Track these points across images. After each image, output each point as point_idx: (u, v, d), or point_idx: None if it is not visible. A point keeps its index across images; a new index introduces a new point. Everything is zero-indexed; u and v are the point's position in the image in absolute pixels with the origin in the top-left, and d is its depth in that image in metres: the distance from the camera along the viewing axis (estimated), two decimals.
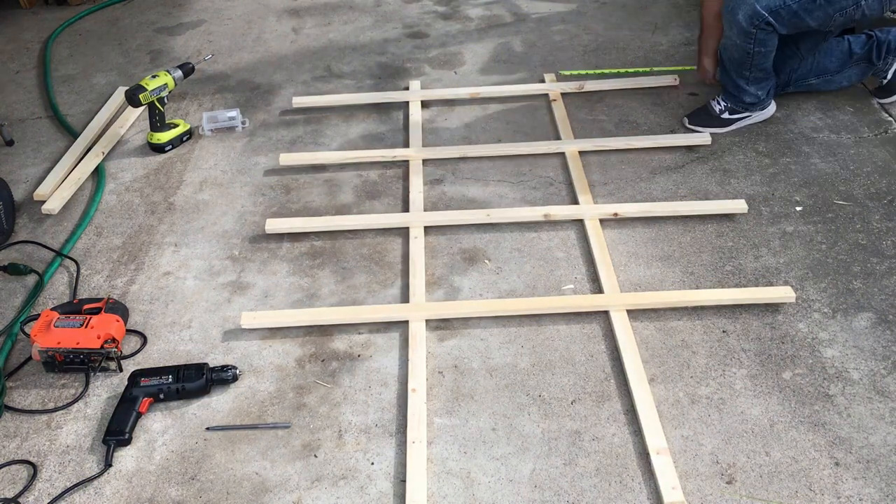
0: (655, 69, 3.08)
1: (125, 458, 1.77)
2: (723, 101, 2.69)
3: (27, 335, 1.98)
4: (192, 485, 1.71)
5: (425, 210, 2.42)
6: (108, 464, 1.74)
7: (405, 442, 1.75)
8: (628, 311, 2.02)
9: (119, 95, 3.09)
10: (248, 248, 2.35)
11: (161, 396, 1.86)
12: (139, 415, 1.82)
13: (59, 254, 2.32)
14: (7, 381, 1.95)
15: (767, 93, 2.66)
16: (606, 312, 2.03)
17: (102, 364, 1.94)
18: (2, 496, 1.69)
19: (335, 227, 2.38)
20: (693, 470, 1.68)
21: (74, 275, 2.26)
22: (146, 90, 2.69)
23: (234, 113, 2.87)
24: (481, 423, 1.80)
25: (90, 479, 1.71)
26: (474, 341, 2.00)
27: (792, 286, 2.09)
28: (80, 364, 1.93)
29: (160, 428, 1.83)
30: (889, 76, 2.74)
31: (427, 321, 2.04)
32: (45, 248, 2.36)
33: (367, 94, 3.03)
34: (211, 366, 1.92)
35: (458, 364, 1.95)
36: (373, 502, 1.66)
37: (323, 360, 1.98)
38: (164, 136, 2.78)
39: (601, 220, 2.34)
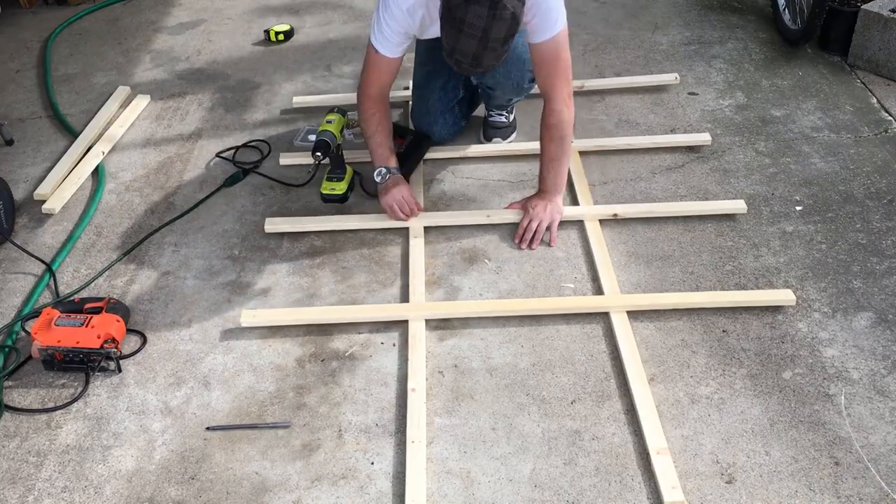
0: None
1: (125, 457, 1.77)
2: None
3: (27, 332, 1.98)
4: (192, 484, 1.71)
5: (425, 210, 2.42)
6: None
7: (405, 441, 1.74)
8: (628, 313, 2.02)
9: (119, 95, 3.09)
10: (248, 247, 2.34)
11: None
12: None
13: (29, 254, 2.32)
14: (6, 380, 1.95)
15: None
16: (606, 314, 2.04)
17: (102, 364, 1.94)
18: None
19: (335, 227, 2.37)
20: (693, 469, 1.68)
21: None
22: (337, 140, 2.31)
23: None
24: (481, 423, 1.80)
25: None
26: (474, 341, 2.00)
27: (792, 286, 2.09)
28: (80, 363, 1.93)
29: (160, 428, 1.83)
30: None
31: (427, 321, 2.04)
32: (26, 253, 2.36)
33: None
34: None
35: (457, 364, 1.95)
36: (373, 502, 1.66)
37: (323, 360, 1.98)
38: (342, 186, 2.40)
39: (601, 221, 2.34)
